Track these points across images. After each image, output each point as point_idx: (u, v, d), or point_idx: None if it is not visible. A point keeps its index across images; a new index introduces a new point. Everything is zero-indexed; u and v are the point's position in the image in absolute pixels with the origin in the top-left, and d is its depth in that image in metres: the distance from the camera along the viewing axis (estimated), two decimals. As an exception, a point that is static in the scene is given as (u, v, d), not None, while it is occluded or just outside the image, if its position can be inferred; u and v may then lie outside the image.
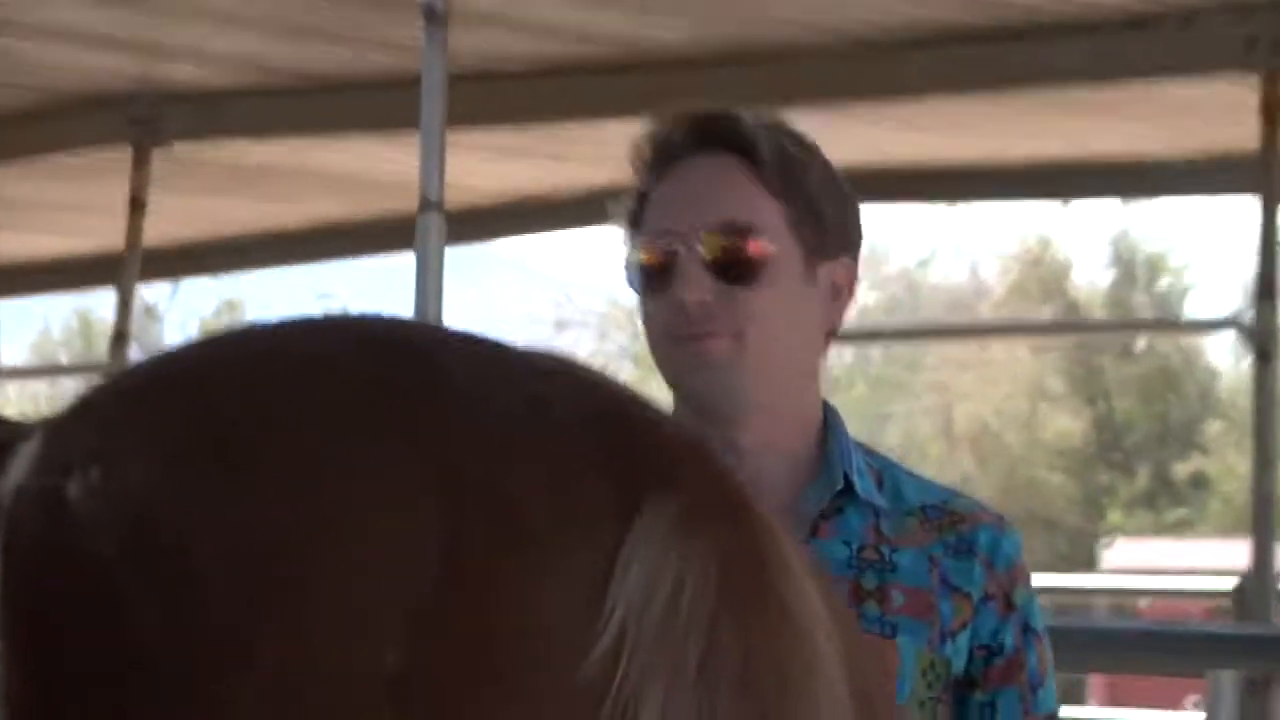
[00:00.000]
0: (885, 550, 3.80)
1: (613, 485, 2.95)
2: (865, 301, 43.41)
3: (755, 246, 3.69)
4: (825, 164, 3.86)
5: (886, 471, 3.92)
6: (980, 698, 3.83)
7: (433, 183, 7.54)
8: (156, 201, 12.19)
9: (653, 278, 3.77)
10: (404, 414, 3.07)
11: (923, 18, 10.06)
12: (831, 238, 3.79)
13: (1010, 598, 3.88)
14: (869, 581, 3.84)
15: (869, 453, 3.94)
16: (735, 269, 3.67)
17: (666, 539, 2.91)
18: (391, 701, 2.91)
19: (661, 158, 3.82)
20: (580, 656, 2.86)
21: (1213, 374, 39.33)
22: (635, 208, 3.84)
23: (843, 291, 3.82)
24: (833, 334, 3.94)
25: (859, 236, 3.92)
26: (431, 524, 2.99)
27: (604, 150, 11.44)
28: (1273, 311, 10.52)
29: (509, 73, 11.08)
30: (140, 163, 11.93)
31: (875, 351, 40.23)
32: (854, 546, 3.75)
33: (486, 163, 12.52)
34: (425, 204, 7.55)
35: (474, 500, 3.01)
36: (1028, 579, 4.00)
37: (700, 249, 3.67)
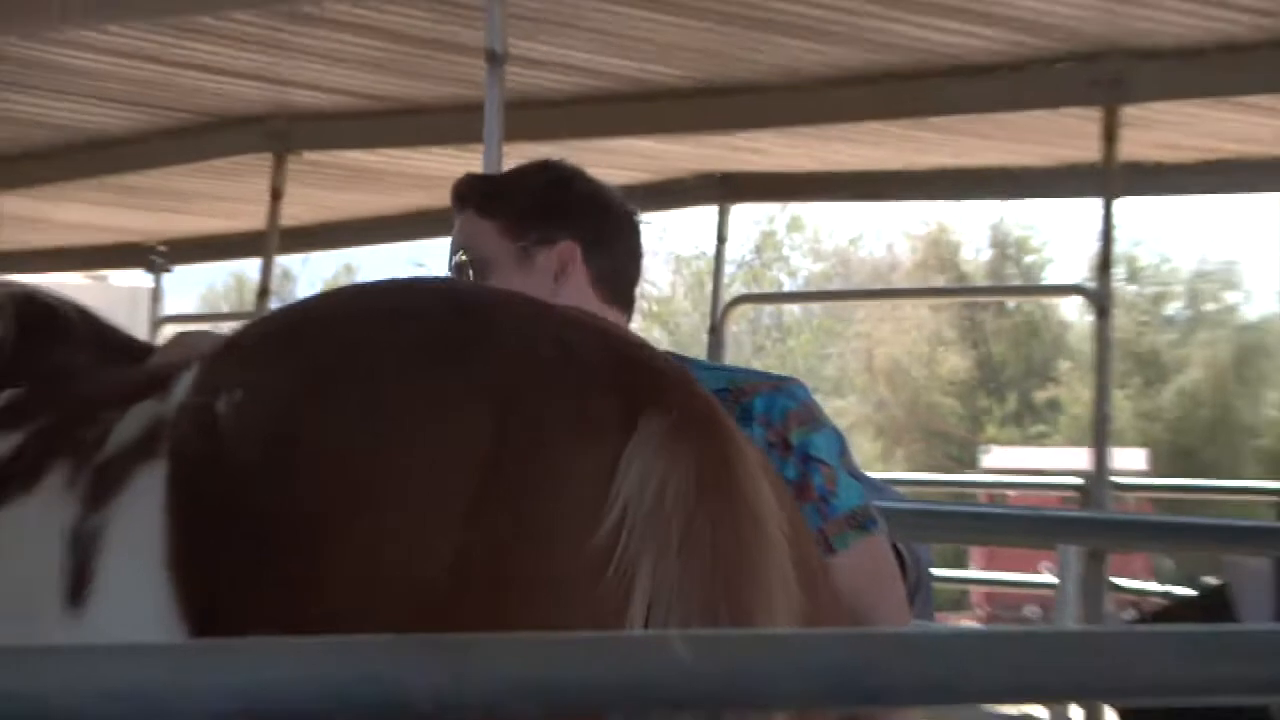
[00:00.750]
0: None
1: (619, 404, 3.07)
2: (811, 270, 43.45)
3: (470, 260, 3.90)
4: (542, 186, 4.01)
5: (689, 368, 3.67)
6: None
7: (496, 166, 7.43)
8: (291, 193, 12.45)
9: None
10: (462, 351, 3.19)
11: (858, 60, 10.03)
12: (539, 233, 3.90)
13: (787, 440, 3.88)
14: None
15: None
16: (471, 277, 3.87)
17: (658, 446, 3.01)
18: (457, 559, 2.98)
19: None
20: (594, 530, 2.95)
21: (1065, 326, 39.48)
22: None
23: (567, 265, 3.85)
24: (612, 290, 3.98)
25: (580, 224, 3.93)
26: (484, 429, 3.06)
27: (617, 159, 11.78)
28: (1108, 281, 10.58)
29: (550, 101, 10.98)
30: (279, 165, 12.09)
31: (817, 308, 40.45)
32: None
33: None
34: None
35: (515, 412, 3.10)
36: (805, 422, 3.97)
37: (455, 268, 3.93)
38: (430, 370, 3.19)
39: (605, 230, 3.89)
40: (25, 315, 3.82)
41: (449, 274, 3.85)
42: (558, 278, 3.73)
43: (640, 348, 3.37)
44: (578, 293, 3.72)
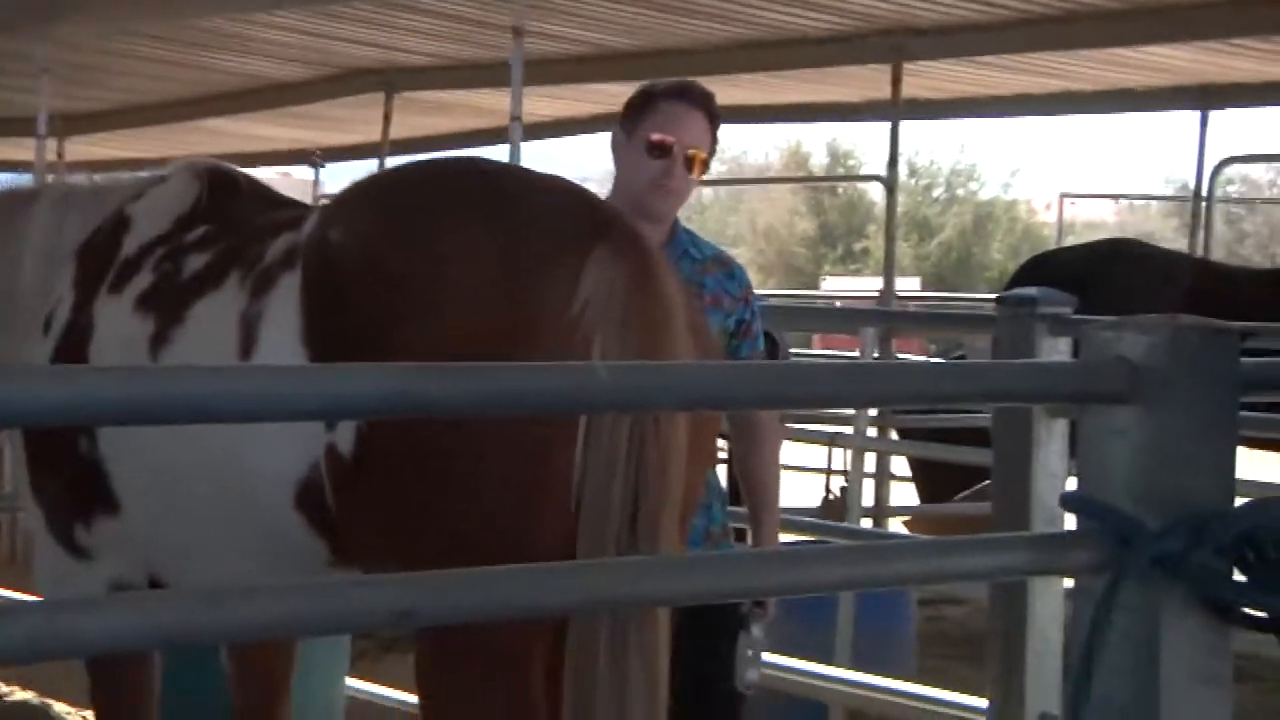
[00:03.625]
0: (697, 277, 3.86)
1: (586, 234, 3.07)
2: (717, 170, 43.06)
3: (699, 158, 3.80)
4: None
5: (695, 242, 3.98)
6: (736, 343, 3.90)
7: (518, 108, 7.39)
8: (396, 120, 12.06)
9: (654, 150, 3.74)
10: (481, 201, 3.20)
11: (733, 36, 9.71)
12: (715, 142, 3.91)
13: (748, 301, 3.98)
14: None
15: (693, 236, 4.01)
16: (691, 167, 3.79)
17: (607, 259, 3.03)
18: (490, 312, 3.01)
19: (651, 99, 3.84)
20: (566, 313, 2.98)
21: (871, 203, 39.04)
22: (635, 116, 3.85)
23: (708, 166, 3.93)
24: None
25: None
26: (493, 249, 3.06)
27: (614, 99, 11.48)
28: (895, 174, 10.27)
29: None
30: (387, 100, 11.71)
31: (723, 191, 39.94)
32: (684, 276, 3.68)
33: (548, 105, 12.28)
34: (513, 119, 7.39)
35: (516, 239, 3.08)
36: (752, 290, 4.11)
37: (681, 151, 3.76)
38: (460, 214, 3.17)
39: None
40: (213, 179, 3.79)
41: (670, 142, 3.81)
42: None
43: (601, 205, 3.38)
44: None
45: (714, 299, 3.88)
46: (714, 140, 3.89)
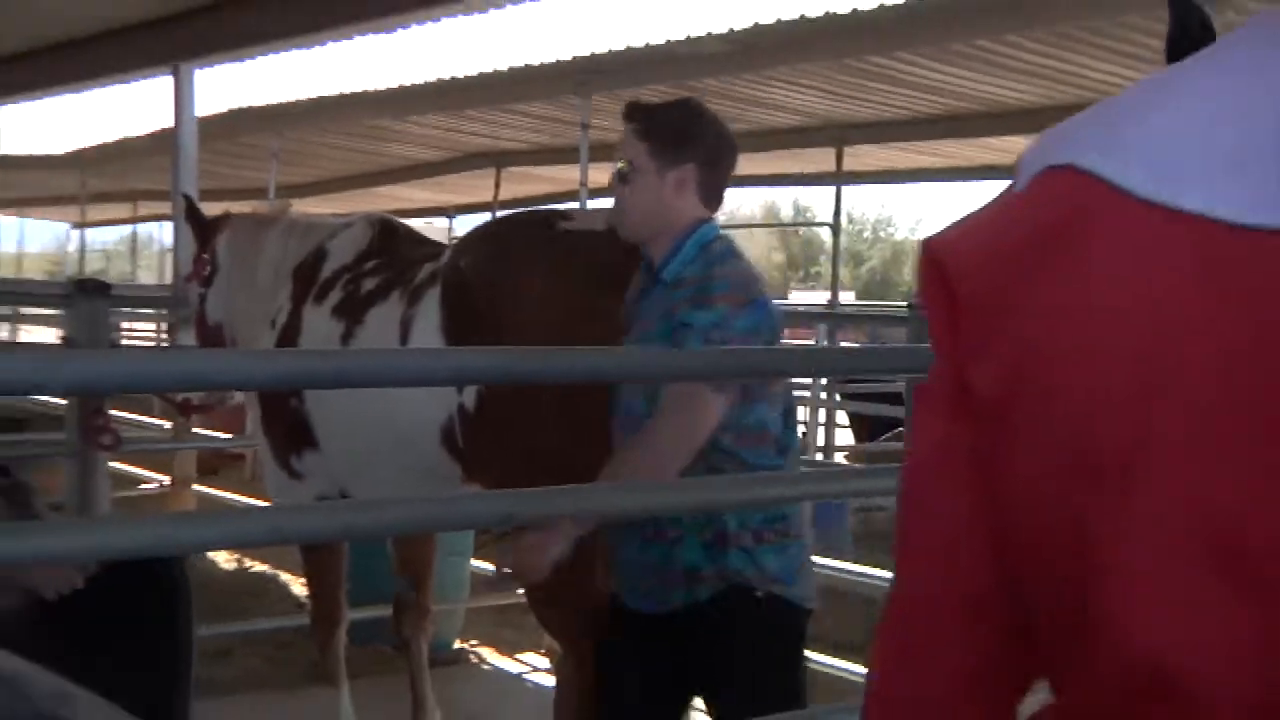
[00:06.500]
0: (665, 302, 2.48)
1: (619, 261, 2.68)
2: (720, 218, 41.85)
3: (623, 170, 2.43)
4: (681, 119, 2.47)
5: (696, 262, 2.43)
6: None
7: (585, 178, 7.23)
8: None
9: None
10: (549, 241, 2.97)
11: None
12: (673, 157, 2.40)
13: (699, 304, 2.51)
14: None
15: (703, 256, 2.43)
16: (625, 181, 2.44)
17: (634, 280, 2.64)
18: (564, 316, 2.79)
19: None
20: (608, 315, 2.67)
21: (822, 240, 38.52)
22: None
23: (685, 182, 2.41)
24: (709, 201, 2.48)
25: (705, 154, 2.44)
26: (555, 272, 2.89)
27: None
28: (839, 221, 9.92)
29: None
30: (497, 175, 11.10)
31: None
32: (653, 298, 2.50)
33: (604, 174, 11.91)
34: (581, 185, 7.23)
35: (572, 263, 2.90)
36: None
37: (616, 170, 2.47)
38: (537, 249, 2.99)
39: (716, 158, 2.47)
40: (382, 227, 3.73)
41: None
42: (678, 188, 2.41)
43: (625, 241, 2.61)
44: (689, 197, 2.43)
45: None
46: (654, 144, 2.44)
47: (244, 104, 9.86)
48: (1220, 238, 0.51)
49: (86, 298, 3.77)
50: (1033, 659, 0.62)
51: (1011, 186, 0.62)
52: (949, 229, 0.64)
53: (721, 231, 2.48)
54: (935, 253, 0.62)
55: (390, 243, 3.65)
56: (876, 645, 0.68)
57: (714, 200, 2.49)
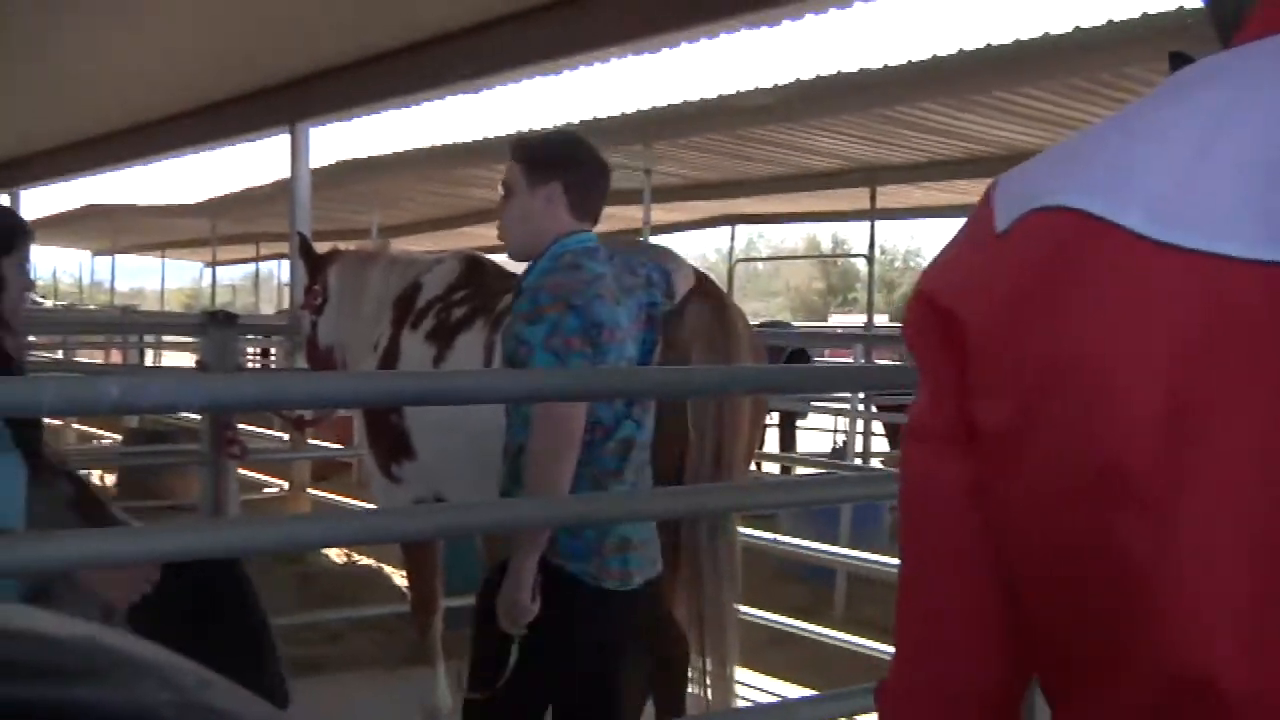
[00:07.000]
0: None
1: (689, 290, 2.65)
2: (766, 251, 41.28)
3: (504, 192, 2.37)
4: (551, 144, 2.41)
5: (542, 271, 2.35)
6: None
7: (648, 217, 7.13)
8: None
9: None
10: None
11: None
12: (542, 176, 2.31)
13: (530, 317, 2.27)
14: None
15: (550, 266, 2.33)
16: (501, 202, 2.39)
17: (697, 304, 2.71)
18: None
19: None
20: (679, 337, 2.70)
21: (858, 269, 37.96)
22: None
23: (553, 196, 2.31)
24: (581, 217, 2.36)
25: (573, 173, 2.34)
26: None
27: (699, 210, 11.19)
28: (873, 252, 9.81)
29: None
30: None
31: (769, 264, 37.84)
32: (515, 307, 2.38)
33: (666, 214, 11.79)
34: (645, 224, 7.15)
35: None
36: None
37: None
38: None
39: (581, 176, 2.32)
40: (469, 262, 3.72)
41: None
42: (546, 202, 2.30)
43: (694, 270, 2.68)
44: (559, 213, 2.32)
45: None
46: (526, 165, 2.34)
47: (350, 156, 10.00)
48: (1227, 272, 0.49)
49: (218, 327, 3.85)
50: (1031, 670, 0.60)
51: (982, 223, 0.59)
52: (939, 271, 0.60)
53: (592, 244, 2.35)
54: (936, 297, 0.59)
55: (477, 276, 3.61)
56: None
57: (587, 217, 2.37)
